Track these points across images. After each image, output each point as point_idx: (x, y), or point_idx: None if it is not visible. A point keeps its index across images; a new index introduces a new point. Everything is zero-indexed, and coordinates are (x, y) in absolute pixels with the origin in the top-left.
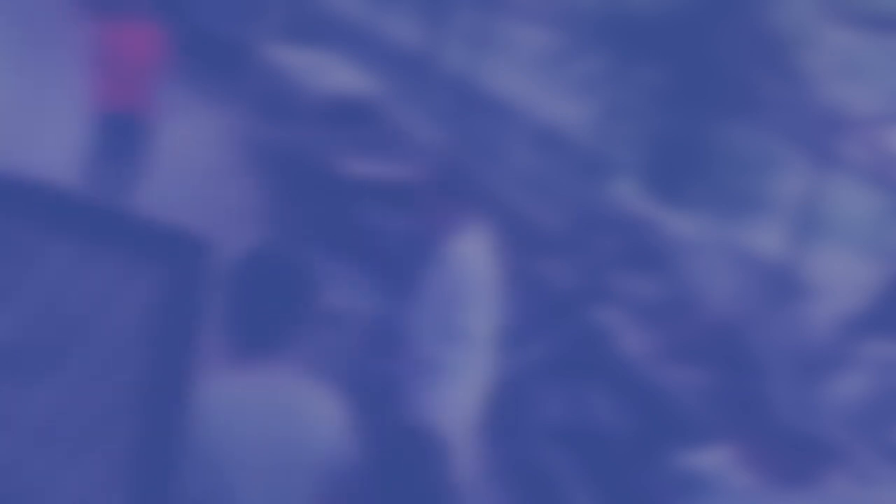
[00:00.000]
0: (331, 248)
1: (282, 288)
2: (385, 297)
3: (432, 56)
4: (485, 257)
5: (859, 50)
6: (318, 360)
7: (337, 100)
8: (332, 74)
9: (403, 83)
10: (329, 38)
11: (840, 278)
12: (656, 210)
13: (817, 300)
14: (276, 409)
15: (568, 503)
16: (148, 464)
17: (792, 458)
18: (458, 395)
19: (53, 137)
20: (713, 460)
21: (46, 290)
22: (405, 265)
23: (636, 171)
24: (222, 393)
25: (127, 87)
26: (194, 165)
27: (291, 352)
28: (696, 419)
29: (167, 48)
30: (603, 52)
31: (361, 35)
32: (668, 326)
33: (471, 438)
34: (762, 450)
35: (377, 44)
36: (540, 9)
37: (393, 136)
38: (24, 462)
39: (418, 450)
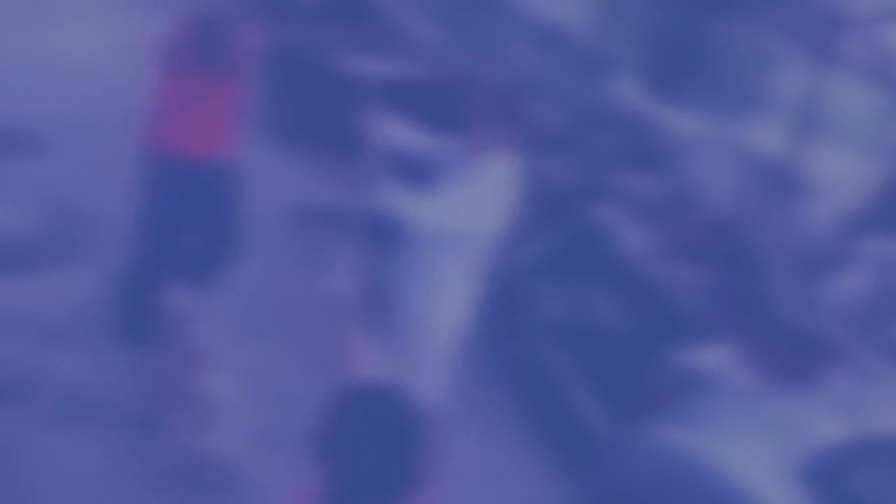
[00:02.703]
0: (329, 145)
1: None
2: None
3: None
4: (496, 161)
5: None
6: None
7: None
8: None
9: None
10: None
11: (840, 176)
12: (656, 108)
13: (817, 198)
14: None
15: (567, 401)
16: None
17: (792, 355)
18: (454, 298)
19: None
20: (713, 358)
21: None
22: (409, 164)
23: (636, 68)
24: None
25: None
26: None
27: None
28: (696, 317)
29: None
30: None
31: None
32: (668, 224)
33: (467, 340)
34: (762, 348)
35: None
36: None
37: (391, 33)
38: None
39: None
